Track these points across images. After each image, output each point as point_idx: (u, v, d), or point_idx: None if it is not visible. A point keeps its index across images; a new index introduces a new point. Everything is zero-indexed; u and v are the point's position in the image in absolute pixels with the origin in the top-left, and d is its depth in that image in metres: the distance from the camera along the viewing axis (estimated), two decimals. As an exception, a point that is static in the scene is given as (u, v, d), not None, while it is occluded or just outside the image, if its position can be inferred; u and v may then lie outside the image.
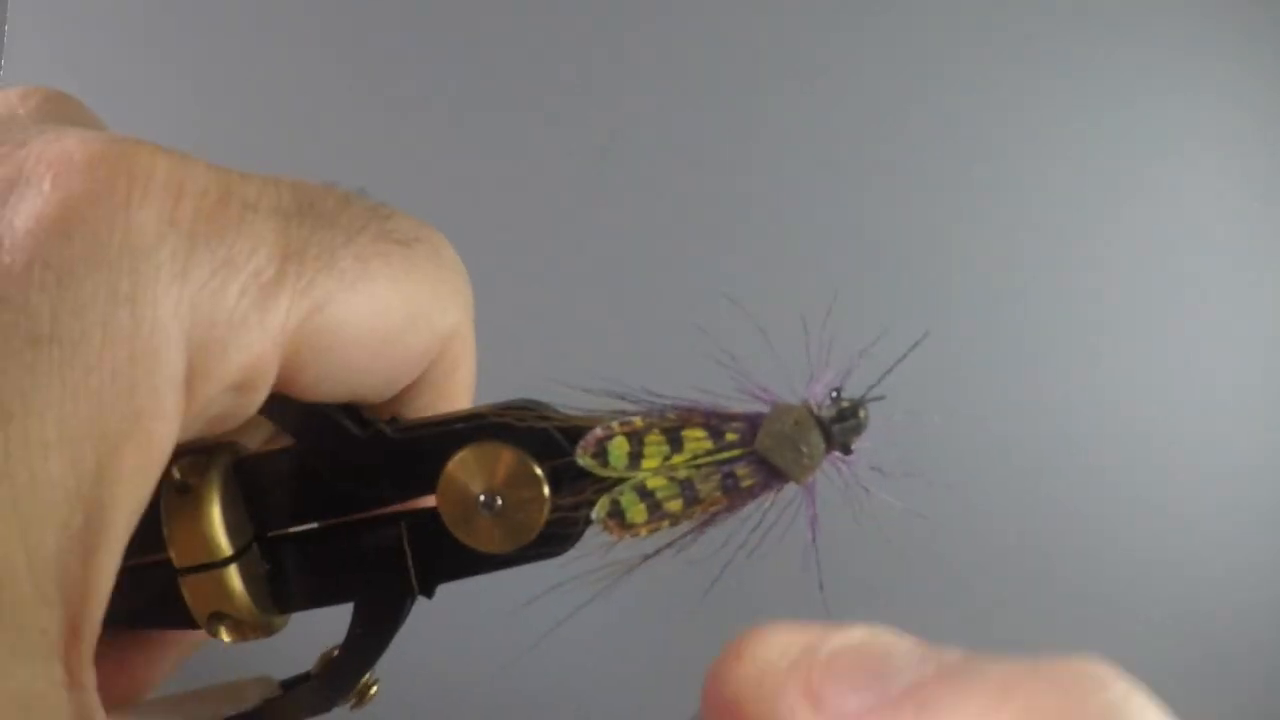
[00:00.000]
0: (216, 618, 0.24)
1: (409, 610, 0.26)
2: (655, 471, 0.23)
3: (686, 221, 0.59)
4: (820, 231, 0.60)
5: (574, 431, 0.24)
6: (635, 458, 0.23)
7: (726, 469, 0.23)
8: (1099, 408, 0.60)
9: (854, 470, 0.23)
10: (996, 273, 0.61)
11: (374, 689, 0.27)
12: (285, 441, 0.26)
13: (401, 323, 0.24)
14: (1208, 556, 0.60)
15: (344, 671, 0.25)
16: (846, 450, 0.22)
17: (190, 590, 0.24)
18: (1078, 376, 0.60)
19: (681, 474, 0.23)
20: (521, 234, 0.58)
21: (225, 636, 0.25)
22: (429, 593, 0.25)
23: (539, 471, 0.24)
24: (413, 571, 0.25)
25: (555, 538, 0.24)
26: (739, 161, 0.60)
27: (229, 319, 0.21)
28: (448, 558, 0.25)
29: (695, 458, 0.23)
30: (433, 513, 0.25)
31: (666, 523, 0.23)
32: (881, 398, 0.22)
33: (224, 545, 0.24)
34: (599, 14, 0.61)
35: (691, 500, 0.23)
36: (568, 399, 0.24)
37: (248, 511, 0.25)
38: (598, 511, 0.23)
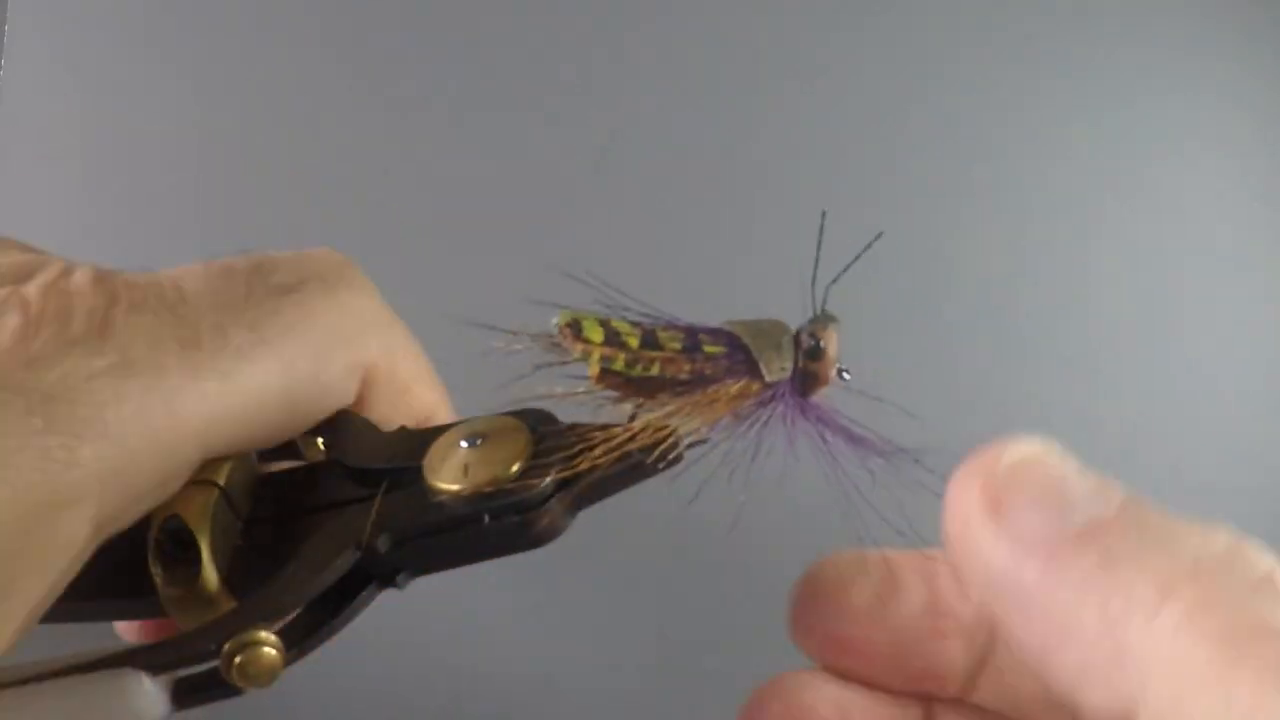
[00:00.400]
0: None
1: (358, 572, 0.24)
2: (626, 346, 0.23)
3: (686, 222, 0.59)
4: (823, 232, 0.60)
5: (580, 431, 0.24)
6: (611, 340, 0.23)
7: (693, 332, 0.23)
8: (1095, 410, 0.60)
9: (848, 469, 0.23)
10: (994, 275, 0.61)
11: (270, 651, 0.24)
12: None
13: (310, 367, 0.25)
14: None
15: (265, 595, 0.24)
16: (814, 355, 0.22)
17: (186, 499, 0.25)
18: (1074, 379, 0.60)
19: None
20: (521, 234, 0.58)
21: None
22: (376, 545, 0.24)
23: (527, 429, 0.24)
24: (372, 517, 0.24)
25: (522, 499, 0.23)
26: (739, 162, 0.60)
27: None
28: (414, 514, 0.24)
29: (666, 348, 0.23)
30: (418, 470, 0.25)
31: (622, 356, 0.23)
32: (835, 319, 0.23)
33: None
34: (599, 14, 0.61)
35: (650, 343, 0.23)
36: (564, 291, 0.24)
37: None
38: (559, 319, 0.23)
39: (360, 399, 0.27)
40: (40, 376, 0.21)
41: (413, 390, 0.28)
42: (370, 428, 0.27)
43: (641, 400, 0.23)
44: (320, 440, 0.27)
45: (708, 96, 0.61)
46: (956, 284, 0.60)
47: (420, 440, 0.25)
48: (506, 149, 0.59)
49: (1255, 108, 0.61)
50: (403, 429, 0.27)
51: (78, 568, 0.22)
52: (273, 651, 0.23)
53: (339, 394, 0.26)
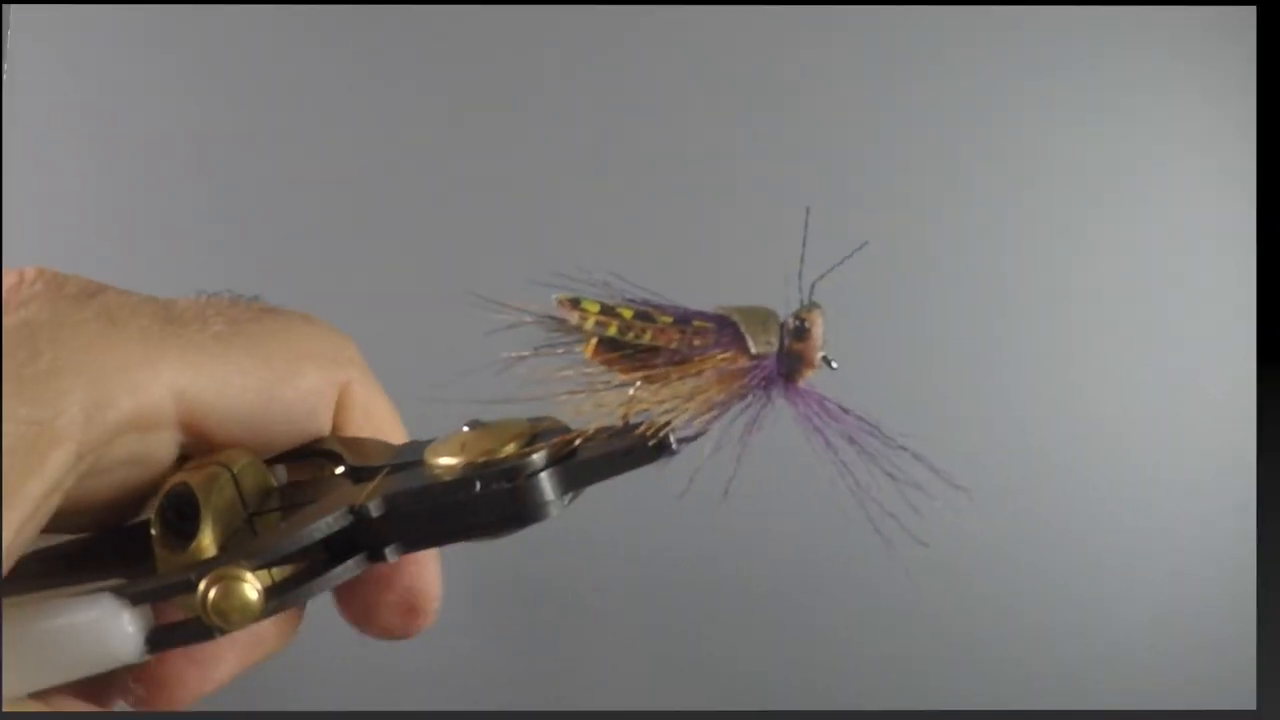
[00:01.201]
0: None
1: (348, 539, 0.25)
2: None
3: (686, 221, 0.60)
4: (814, 233, 0.60)
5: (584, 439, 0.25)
6: (607, 311, 0.25)
7: (682, 310, 0.24)
8: (1080, 406, 0.60)
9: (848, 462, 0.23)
10: (978, 273, 0.61)
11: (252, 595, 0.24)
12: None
13: (286, 369, 0.27)
14: (1182, 554, 0.61)
15: (250, 540, 0.25)
16: (799, 335, 0.24)
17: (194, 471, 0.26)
18: (1059, 376, 0.60)
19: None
20: (521, 233, 0.59)
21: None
22: (368, 509, 0.25)
23: (529, 423, 0.26)
24: (370, 487, 0.25)
25: (511, 466, 0.24)
26: (737, 162, 0.60)
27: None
28: (408, 482, 0.25)
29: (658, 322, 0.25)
30: (421, 461, 0.26)
31: (614, 324, 0.24)
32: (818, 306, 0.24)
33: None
34: (598, 15, 0.61)
35: (644, 316, 0.24)
36: (563, 289, 0.25)
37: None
38: (559, 294, 0.25)
39: (335, 427, 0.28)
40: (27, 317, 0.23)
41: (385, 432, 0.29)
42: (377, 441, 0.28)
43: (636, 374, 0.24)
44: (337, 468, 0.28)
45: (707, 97, 0.61)
46: (939, 283, 0.60)
47: (426, 444, 0.26)
48: (506, 149, 0.59)
49: (1239, 113, 0.61)
50: (412, 441, 0.27)
51: (60, 493, 0.23)
52: (248, 586, 0.23)
53: (315, 405, 0.28)
